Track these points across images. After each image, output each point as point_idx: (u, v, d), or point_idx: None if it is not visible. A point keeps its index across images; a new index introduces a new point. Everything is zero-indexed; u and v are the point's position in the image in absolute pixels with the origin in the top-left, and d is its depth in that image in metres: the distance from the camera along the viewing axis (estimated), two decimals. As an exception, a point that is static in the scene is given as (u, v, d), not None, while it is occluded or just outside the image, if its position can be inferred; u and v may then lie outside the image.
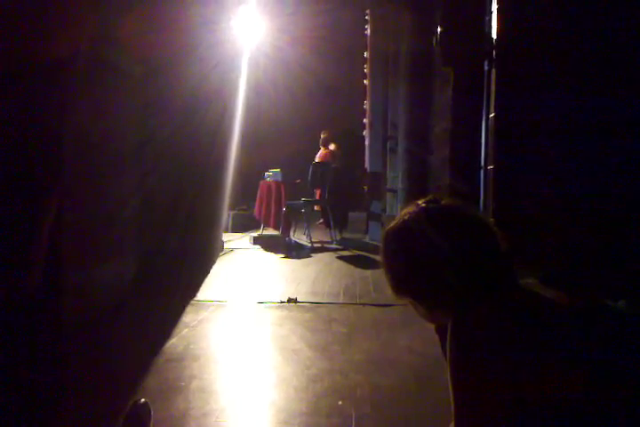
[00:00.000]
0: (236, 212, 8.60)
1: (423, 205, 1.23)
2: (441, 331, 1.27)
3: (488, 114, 3.16)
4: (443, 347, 1.23)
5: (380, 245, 1.27)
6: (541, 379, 1.05)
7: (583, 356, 1.07)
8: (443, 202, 1.24)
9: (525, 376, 1.06)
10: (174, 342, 3.15)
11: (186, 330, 3.39)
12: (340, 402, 2.39)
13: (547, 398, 1.04)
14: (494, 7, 3.09)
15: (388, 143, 7.44)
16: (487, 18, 3.17)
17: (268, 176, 7.82)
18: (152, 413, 1.45)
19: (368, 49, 8.14)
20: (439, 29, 3.38)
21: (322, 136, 8.82)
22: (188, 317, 3.70)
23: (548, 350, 1.07)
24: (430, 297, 1.21)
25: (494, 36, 3.07)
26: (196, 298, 4.20)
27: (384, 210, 7.56)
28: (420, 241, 1.18)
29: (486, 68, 3.20)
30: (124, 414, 1.41)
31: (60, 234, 3.41)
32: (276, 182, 7.61)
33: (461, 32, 3.28)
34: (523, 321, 1.10)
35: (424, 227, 1.18)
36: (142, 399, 1.44)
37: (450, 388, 1.10)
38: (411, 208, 1.24)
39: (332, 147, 8.76)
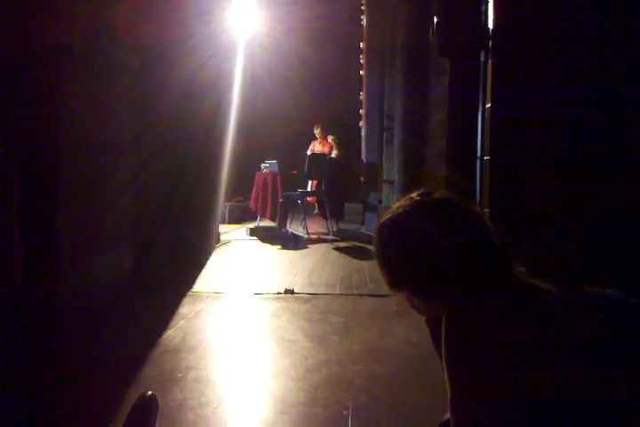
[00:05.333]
0: (232, 203, 8.59)
1: (417, 197, 1.23)
2: (431, 323, 1.27)
3: (484, 105, 3.15)
4: (434, 339, 1.23)
5: (374, 238, 1.27)
6: (539, 369, 1.06)
7: (581, 344, 1.07)
8: (436, 194, 1.24)
9: (523, 367, 1.06)
10: (171, 334, 3.16)
11: (182, 322, 3.40)
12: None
13: (544, 387, 1.05)
14: (491, -3, 3.08)
15: (385, 134, 7.42)
16: (483, 8, 3.15)
17: (265, 167, 7.80)
18: (159, 405, 1.45)
19: (364, 40, 8.11)
20: (435, 20, 3.36)
21: (316, 131, 8.80)
22: (185, 308, 3.70)
23: (545, 339, 1.07)
24: (425, 290, 1.22)
25: (491, 26, 3.06)
26: (192, 289, 4.20)
27: (380, 201, 7.56)
28: (413, 233, 1.18)
29: (482, 58, 3.19)
30: (132, 406, 1.42)
31: (56, 227, 3.41)
32: (272, 174, 7.59)
33: (458, 22, 3.27)
34: (518, 312, 1.10)
35: (417, 219, 1.19)
36: (149, 392, 1.44)
37: (445, 378, 1.11)
38: (404, 201, 1.24)
39: (330, 139, 8.72)
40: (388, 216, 1.24)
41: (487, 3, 3.11)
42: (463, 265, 1.14)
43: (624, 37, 2.84)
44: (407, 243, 1.19)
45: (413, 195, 1.24)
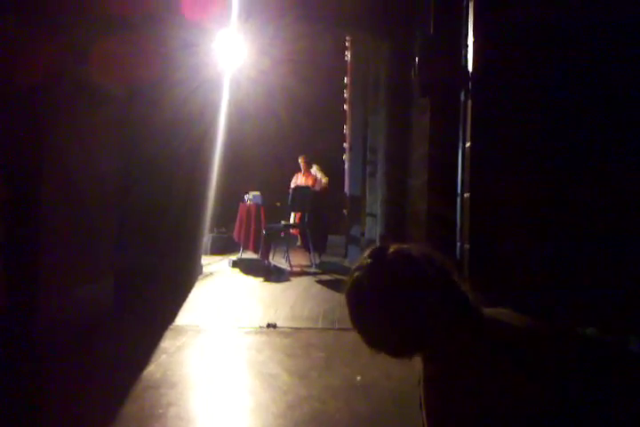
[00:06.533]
0: (215, 234, 8.58)
1: (369, 260, 1.25)
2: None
3: (464, 143, 3.24)
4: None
5: (347, 308, 1.29)
6: (515, 407, 1.09)
7: (554, 384, 1.10)
8: (389, 252, 1.25)
9: (499, 406, 1.09)
10: (152, 369, 3.12)
11: (164, 356, 3.37)
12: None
13: (516, 421, 1.08)
14: (470, 40, 3.19)
15: (368, 168, 7.52)
16: (463, 51, 3.27)
17: (248, 199, 7.83)
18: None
19: (348, 75, 8.27)
20: (417, 60, 3.48)
21: (301, 161, 8.86)
22: (167, 342, 3.67)
23: (519, 380, 1.10)
24: (401, 352, 1.25)
25: (470, 68, 3.17)
26: (174, 323, 4.16)
27: (363, 233, 7.61)
28: (373, 303, 1.22)
29: (462, 98, 3.29)
30: None
31: (39, 257, 3.40)
32: (256, 205, 7.63)
33: (438, 63, 3.38)
34: (491, 355, 1.13)
35: (373, 287, 1.22)
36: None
37: (425, 421, 1.14)
38: (361, 262, 1.27)
39: (314, 170, 8.77)
40: (347, 287, 1.26)
41: (467, 46, 3.23)
42: (431, 321, 1.18)
43: (602, 79, 2.96)
44: (368, 313, 1.23)
45: (366, 255, 1.27)
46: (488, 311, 1.26)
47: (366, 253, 1.27)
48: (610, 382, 1.12)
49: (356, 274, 1.25)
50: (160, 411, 2.54)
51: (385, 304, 1.19)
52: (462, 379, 1.12)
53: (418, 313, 1.17)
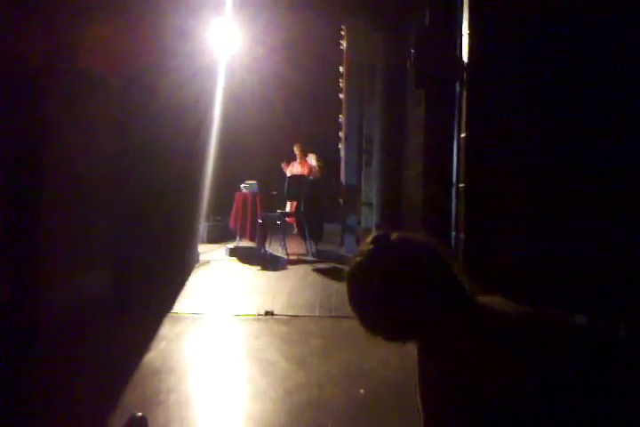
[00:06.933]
0: (211, 223, 8.61)
1: (371, 245, 1.28)
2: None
3: (460, 133, 3.27)
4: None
5: (347, 289, 1.31)
6: (501, 393, 1.14)
7: (546, 370, 1.15)
8: (392, 237, 1.27)
9: (492, 392, 1.14)
10: (152, 356, 3.18)
11: (163, 343, 3.42)
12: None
13: (506, 409, 1.13)
14: (465, 31, 3.21)
15: (363, 157, 7.54)
16: (459, 41, 3.28)
17: (244, 188, 7.87)
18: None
19: (344, 63, 8.26)
20: (412, 51, 3.49)
21: (296, 149, 8.87)
22: (165, 330, 3.72)
23: (512, 366, 1.15)
24: (394, 335, 1.29)
25: (465, 59, 3.19)
26: (172, 311, 4.21)
27: (359, 222, 7.65)
28: (372, 286, 1.24)
29: (458, 89, 3.31)
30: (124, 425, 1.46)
31: (37, 247, 3.43)
32: (252, 194, 7.66)
33: (433, 55, 3.40)
34: (485, 343, 1.18)
35: (374, 272, 1.24)
36: (139, 413, 1.49)
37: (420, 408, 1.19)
38: (363, 247, 1.29)
39: (311, 159, 8.78)
40: (349, 270, 1.28)
41: (462, 37, 3.25)
42: (428, 309, 1.21)
43: (595, 73, 3.00)
44: (368, 296, 1.26)
45: (369, 241, 1.30)
46: (482, 299, 1.30)
47: (369, 238, 1.31)
48: (600, 369, 1.16)
49: (359, 258, 1.28)
50: (161, 397, 2.60)
51: (385, 290, 1.22)
52: (456, 365, 1.16)
53: (416, 300, 1.21)
